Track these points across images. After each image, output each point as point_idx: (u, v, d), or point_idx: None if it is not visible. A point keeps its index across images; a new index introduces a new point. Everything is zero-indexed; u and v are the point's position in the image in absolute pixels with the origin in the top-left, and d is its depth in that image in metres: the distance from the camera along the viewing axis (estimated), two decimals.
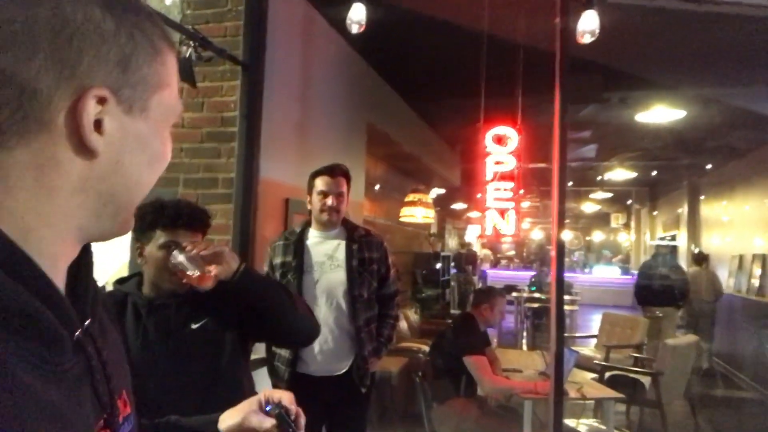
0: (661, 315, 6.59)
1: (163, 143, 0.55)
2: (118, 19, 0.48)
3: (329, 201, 2.42)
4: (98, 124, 0.47)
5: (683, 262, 10.41)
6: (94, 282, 0.58)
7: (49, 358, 0.46)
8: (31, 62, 0.43)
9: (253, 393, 1.64)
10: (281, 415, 0.88)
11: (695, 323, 6.99)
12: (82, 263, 0.54)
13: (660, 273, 6.89)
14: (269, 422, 0.88)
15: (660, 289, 6.70)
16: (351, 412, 2.48)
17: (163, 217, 1.49)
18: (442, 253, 9.23)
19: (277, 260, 2.48)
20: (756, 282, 6.61)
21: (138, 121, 0.51)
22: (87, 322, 0.53)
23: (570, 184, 11.32)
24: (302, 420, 0.92)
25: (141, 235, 1.55)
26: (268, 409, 0.90)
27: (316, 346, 2.40)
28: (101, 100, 0.47)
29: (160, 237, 1.50)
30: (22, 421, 0.42)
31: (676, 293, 6.64)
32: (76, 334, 0.50)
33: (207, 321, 1.54)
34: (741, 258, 7.26)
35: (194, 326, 1.52)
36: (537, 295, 9.26)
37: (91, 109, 0.46)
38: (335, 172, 2.47)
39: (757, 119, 5.81)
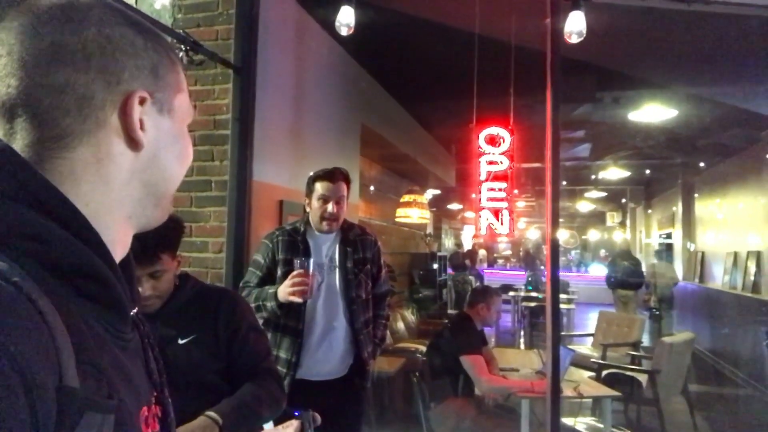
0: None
1: (185, 141, 0.64)
2: (144, 37, 0.59)
3: (329, 207, 2.36)
4: (140, 122, 0.57)
5: (678, 259, 10.50)
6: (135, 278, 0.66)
7: (117, 326, 0.55)
8: (86, 74, 0.53)
9: None
10: (305, 415, 0.95)
11: (658, 305, 9.03)
12: (125, 258, 0.62)
13: (623, 266, 8.94)
14: (292, 428, 0.93)
15: (623, 278, 8.83)
16: (350, 413, 2.44)
17: None
18: (439, 254, 9.25)
19: (282, 255, 2.40)
20: (751, 279, 6.64)
21: (167, 119, 0.61)
22: (135, 309, 0.61)
23: (564, 183, 11.36)
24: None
25: None
26: (296, 414, 0.95)
27: (320, 348, 2.37)
28: (142, 101, 0.57)
29: None
30: (107, 373, 0.49)
31: (634, 280, 8.89)
32: (132, 312, 0.58)
33: (195, 337, 1.52)
34: (735, 255, 7.29)
35: (182, 341, 1.51)
36: (534, 294, 9.28)
37: (137, 109, 0.56)
38: (336, 176, 2.40)
39: (749, 117, 5.83)
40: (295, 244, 2.40)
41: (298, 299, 2.16)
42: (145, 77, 0.57)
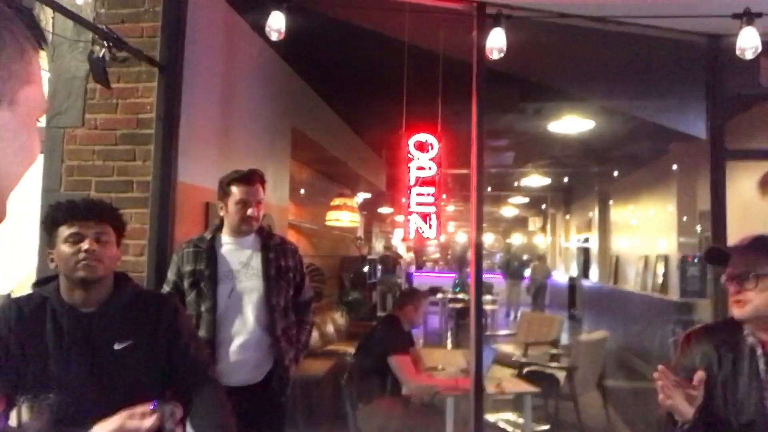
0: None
1: (31, 137, 0.58)
2: None
3: (250, 211, 2.34)
4: None
5: (594, 262, 11.10)
6: None
7: None
8: None
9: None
10: (163, 408, 0.96)
11: (536, 293, 12.82)
12: None
13: (513, 265, 13.98)
14: (149, 421, 0.92)
15: (512, 271, 13.80)
16: (269, 421, 2.42)
17: (60, 212, 1.49)
18: (369, 257, 9.32)
19: (187, 268, 2.37)
20: (659, 280, 7.13)
21: (5, 112, 0.54)
22: None
23: (489, 189, 11.72)
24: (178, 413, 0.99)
25: (49, 241, 1.49)
26: (154, 405, 0.97)
27: (233, 355, 2.33)
28: None
29: (63, 232, 1.47)
30: None
31: (518, 274, 13.76)
32: None
33: (132, 344, 1.48)
34: (646, 258, 7.80)
35: (117, 347, 1.46)
36: (461, 296, 9.52)
37: None
38: (253, 179, 2.38)
39: (658, 130, 6.25)
40: (199, 254, 2.37)
41: None
42: None
